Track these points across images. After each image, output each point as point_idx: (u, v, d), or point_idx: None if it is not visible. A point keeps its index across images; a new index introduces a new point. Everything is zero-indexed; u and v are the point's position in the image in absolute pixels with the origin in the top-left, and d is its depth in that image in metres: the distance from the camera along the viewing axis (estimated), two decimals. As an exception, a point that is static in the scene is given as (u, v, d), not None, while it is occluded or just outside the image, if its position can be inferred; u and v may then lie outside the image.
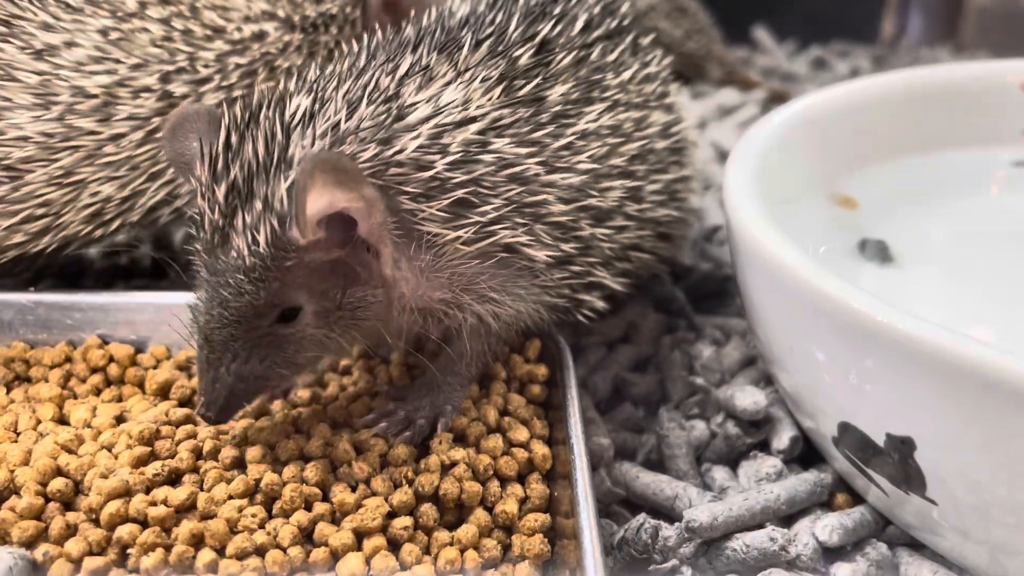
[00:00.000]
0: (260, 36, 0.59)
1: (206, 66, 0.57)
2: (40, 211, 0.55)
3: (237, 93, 0.58)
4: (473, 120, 0.45)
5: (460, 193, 0.44)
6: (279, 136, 0.42)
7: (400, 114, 0.44)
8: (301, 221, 0.40)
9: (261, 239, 0.41)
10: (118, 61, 0.56)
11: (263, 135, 0.42)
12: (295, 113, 0.43)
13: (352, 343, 0.46)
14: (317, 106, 0.43)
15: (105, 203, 0.56)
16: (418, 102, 0.45)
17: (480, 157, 0.44)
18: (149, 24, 0.57)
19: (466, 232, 0.44)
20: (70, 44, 0.55)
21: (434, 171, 0.43)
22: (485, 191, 0.44)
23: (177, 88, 0.57)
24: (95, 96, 0.55)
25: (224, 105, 0.44)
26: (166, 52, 0.57)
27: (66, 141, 0.55)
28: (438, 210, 0.43)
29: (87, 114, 0.55)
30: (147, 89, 0.56)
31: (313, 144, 0.42)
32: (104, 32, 0.56)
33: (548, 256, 0.47)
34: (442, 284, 0.45)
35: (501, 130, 0.46)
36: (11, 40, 0.54)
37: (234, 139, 0.42)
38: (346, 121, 0.43)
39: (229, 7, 0.59)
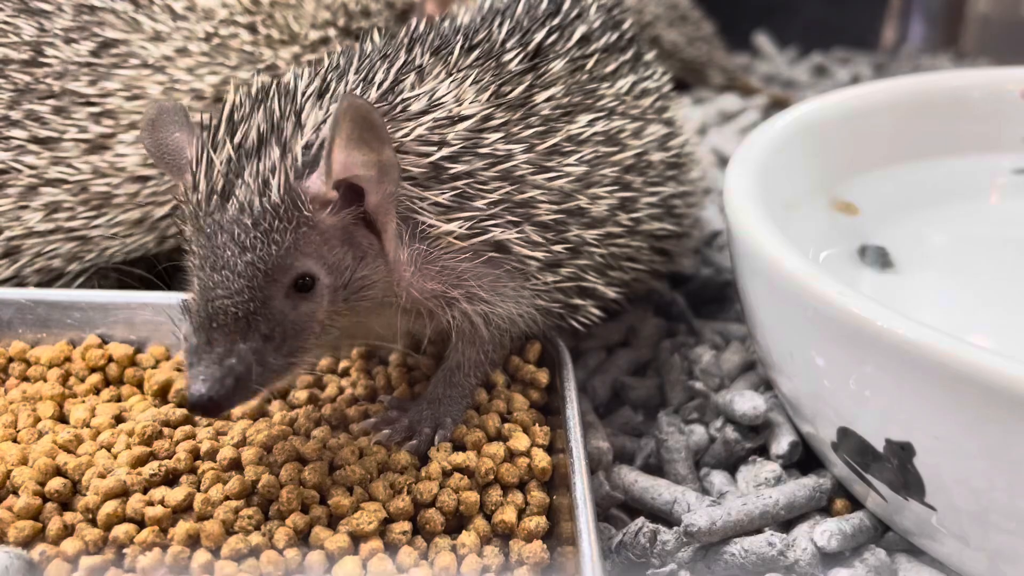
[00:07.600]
0: (325, 40, 0.66)
1: (287, 64, 0.63)
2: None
3: None
4: (466, 117, 0.45)
5: (458, 185, 0.44)
6: (297, 102, 0.42)
7: (400, 104, 0.44)
8: (329, 160, 0.39)
9: (274, 186, 0.40)
10: (222, 64, 0.62)
11: (277, 102, 0.42)
12: (306, 90, 0.44)
13: (350, 335, 0.46)
14: (327, 86, 0.44)
15: None
16: (413, 96, 0.45)
17: (476, 151, 0.45)
18: (239, 30, 0.63)
19: (459, 226, 0.44)
20: (182, 51, 0.61)
21: (435, 159, 0.43)
22: (479, 186, 0.45)
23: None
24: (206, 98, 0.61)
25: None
26: (256, 53, 0.63)
27: None
28: (435, 201, 0.44)
29: (201, 111, 0.60)
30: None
31: (327, 113, 0.42)
32: (207, 38, 0.61)
33: (538, 256, 0.47)
34: (433, 276, 0.45)
35: (493, 128, 0.46)
36: (129, 59, 0.59)
37: (242, 110, 0.42)
38: None
39: (300, 15, 0.65)
